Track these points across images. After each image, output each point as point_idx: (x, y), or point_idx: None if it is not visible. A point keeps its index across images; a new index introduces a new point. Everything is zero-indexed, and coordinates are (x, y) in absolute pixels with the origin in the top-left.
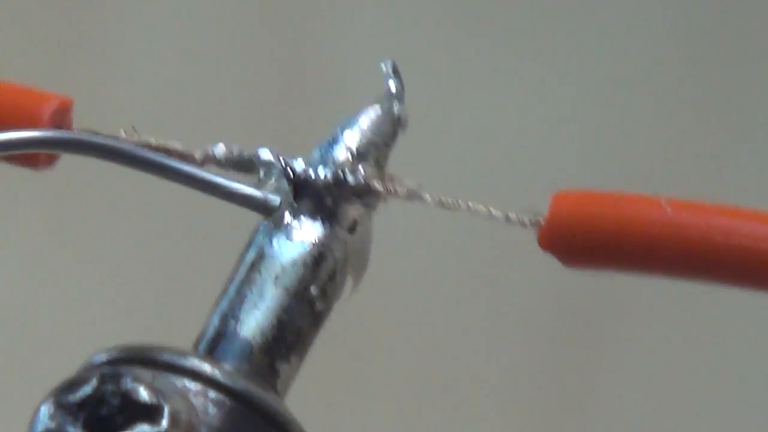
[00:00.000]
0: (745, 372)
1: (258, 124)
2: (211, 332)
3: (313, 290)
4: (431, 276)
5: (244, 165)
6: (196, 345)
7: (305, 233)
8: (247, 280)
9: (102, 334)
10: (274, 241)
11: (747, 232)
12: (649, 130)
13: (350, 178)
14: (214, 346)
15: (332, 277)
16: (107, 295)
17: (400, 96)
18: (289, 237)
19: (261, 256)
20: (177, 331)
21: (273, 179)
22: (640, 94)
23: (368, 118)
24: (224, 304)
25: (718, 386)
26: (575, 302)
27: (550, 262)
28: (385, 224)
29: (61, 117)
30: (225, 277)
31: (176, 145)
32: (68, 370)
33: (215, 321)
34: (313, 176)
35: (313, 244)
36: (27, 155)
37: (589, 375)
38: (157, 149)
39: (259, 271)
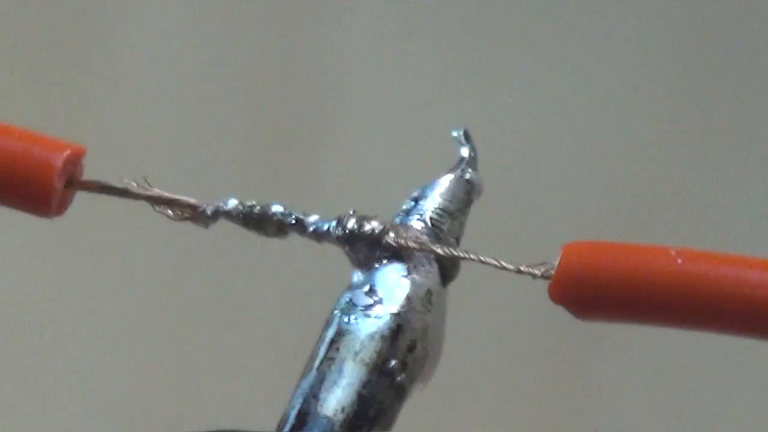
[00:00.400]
0: (746, 374)
1: (254, 142)
2: (292, 415)
3: (393, 363)
4: None
5: (259, 222)
6: (278, 428)
7: (381, 305)
8: (326, 359)
9: (103, 335)
10: (352, 317)
11: (758, 282)
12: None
13: (360, 229)
14: (296, 427)
15: (412, 348)
16: (109, 296)
17: (473, 163)
18: (366, 311)
19: (339, 333)
20: (181, 335)
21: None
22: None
23: (441, 185)
24: (304, 384)
25: (718, 388)
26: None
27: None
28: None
29: (73, 166)
30: (228, 278)
31: (188, 199)
32: (69, 370)
33: (296, 402)
34: (340, 232)
35: (390, 316)
36: (37, 202)
37: (588, 378)
38: (168, 202)
39: (338, 348)
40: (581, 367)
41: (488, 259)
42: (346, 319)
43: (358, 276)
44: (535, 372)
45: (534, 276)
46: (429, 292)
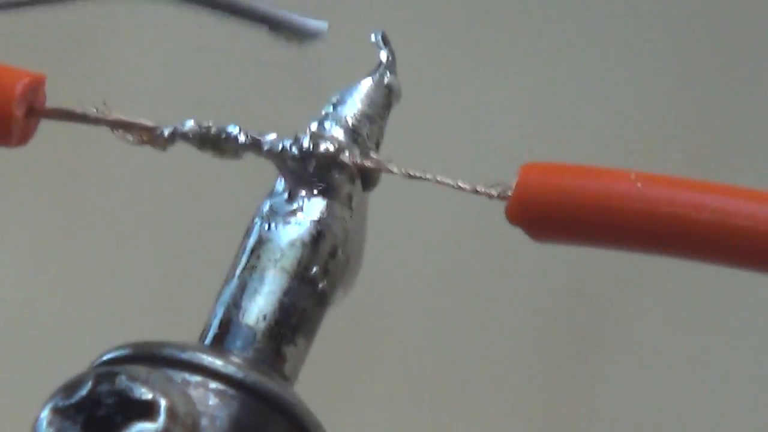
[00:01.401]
0: (745, 372)
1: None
2: (215, 323)
3: (314, 269)
4: (431, 276)
5: (215, 142)
6: (201, 338)
7: (302, 213)
8: (248, 267)
9: (104, 332)
10: (272, 224)
11: (716, 207)
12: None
13: (319, 149)
14: (219, 336)
15: (333, 254)
16: (109, 293)
17: (391, 67)
18: (286, 219)
19: (259, 241)
20: (183, 326)
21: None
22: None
23: (360, 91)
24: (226, 293)
25: (717, 387)
26: (575, 303)
27: (550, 264)
28: (389, 229)
29: (34, 93)
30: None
31: (146, 121)
32: (71, 369)
33: (218, 311)
34: (294, 152)
35: (311, 223)
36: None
37: (589, 375)
38: (126, 125)
39: (259, 256)
40: (581, 366)
41: (445, 179)
42: (266, 227)
43: (280, 183)
44: (535, 371)
45: (490, 196)
46: (349, 198)
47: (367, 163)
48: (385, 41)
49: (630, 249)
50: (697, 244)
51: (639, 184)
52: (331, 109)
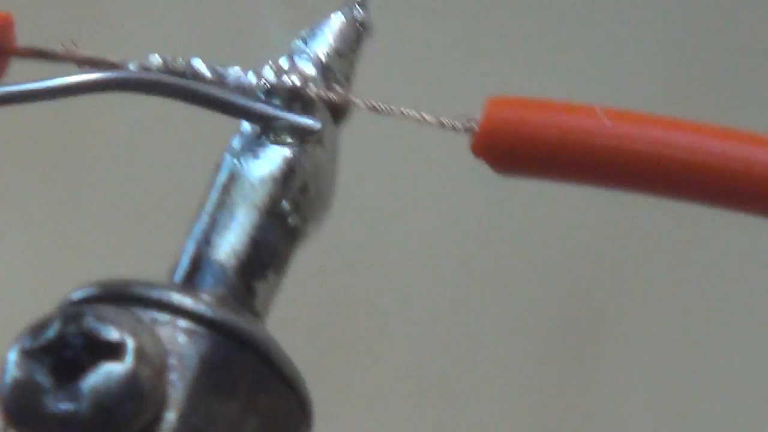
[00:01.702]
0: (746, 373)
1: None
2: (184, 260)
3: (285, 205)
4: (428, 276)
5: (180, 76)
6: (171, 274)
7: (272, 148)
8: (218, 203)
9: None
10: (242, 160)
11: (683, 144)
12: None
13: (283, 83)
14: (189, 273)
15: (303, 190)
16: None
17: (362, 1)
18: (256, 154)
19: (230, 178)
20: None
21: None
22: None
23: (330, 26)
24: (196, 229)
25: (717, 386)
26: (574, 302)
27: (549, 262)
28: (390, 228)
29: (2, 33)
30: None
31: (111, 58)
32: None
33: (188, 248)
34: (259, 85)
35: (282, 158)
36: None
37: (588, 374)
38: (92, 62)
39: (229, 192)
40: (580, 366)
41: (410, 112)
42: (236, 163)
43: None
44: (533, 370)
45: (455, 129)
46: (320, 132)
47: (331, 96)
48: None
49: (595, 184)
50: (664, 180)
51: (606, 120)
52: (301, 43)
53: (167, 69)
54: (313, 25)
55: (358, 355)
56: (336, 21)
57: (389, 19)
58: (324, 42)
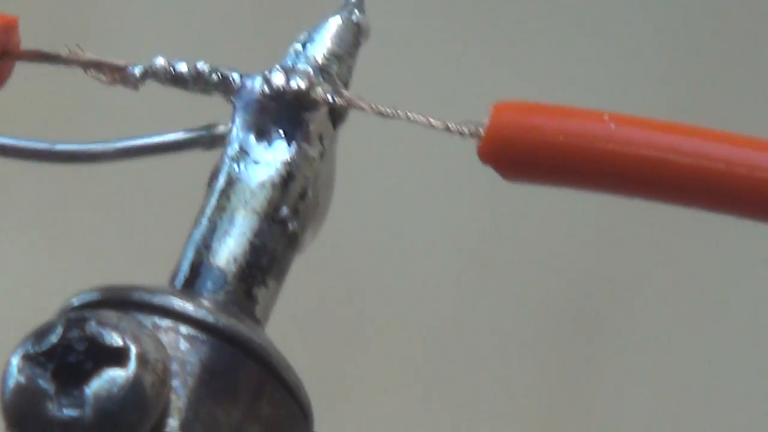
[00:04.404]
0: (747, 375)
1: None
2: (185, 266)
3: (285, 211)
4: (433, 271)
5: (185, 80)
6: (171, 280)
7: (271, 153)
8: (218, 208)
9: None
10: (241, 165)
11: (689, 149)
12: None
13: (291, 86)
14: (189, 279)
15: (303, 195)
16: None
17: (360, 4)
18: (255, 159)
19: (229, 182)
20: None
21: (224, 95)
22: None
23: (328, 29)
24: (196, 235)
25: (720, 387)
26: (578, 301)
27: (555, 259)
28: (391, 229)
29: (7, 36)
30: None
31: (117, 61)
32: None
33: (188, 253)
34: (265, 89)
35: (281, 164)
36: None
37: (592, 373)
38: (98, 65)
39: (228, 197)
40: (583, 364)
41: (416, 117)
42: (236, 167)
43: (244, 119)
44: (535, 369)
45: (462, 134)
46: (320, 137)
47: (339, 101)
48: None
49: (601, 190)
50: (670, 187)
51: (612, 125)
52: (299, 47)
53: (171, 71)
54: (310, 27)
55: (358, 358)
56: (334, 24)
57: (390, 20)
58: (322, 45)
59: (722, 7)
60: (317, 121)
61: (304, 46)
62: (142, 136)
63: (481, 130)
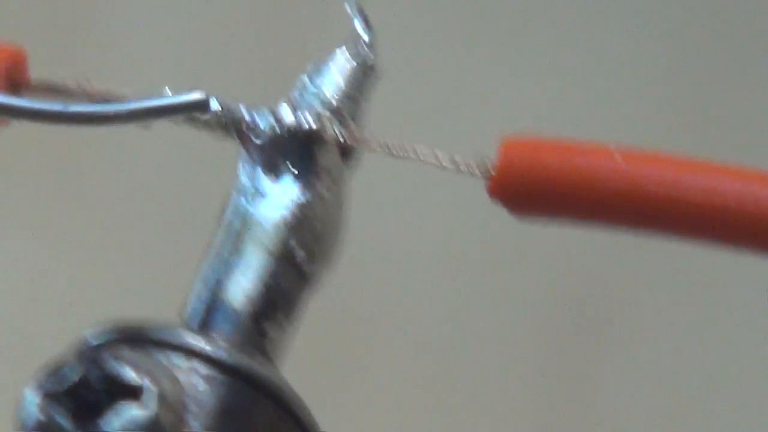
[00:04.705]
0: (749, 379)
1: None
2: (197, 303)
3: (298, 250)
4: (434, 271)
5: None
6: (183, 317)
7: (284, 191)
8: (229, 246)
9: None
10: (253, 203)
11: (698, 185)
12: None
13: (301, 125)
14: (202, 317)
15: (316, 234)
16: (106, 297)
17: (370, 41)
18: (267, 197)
19: (241, 220)
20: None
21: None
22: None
23: (336, 62)
24: (207, 272)
25: (722, 390)
26: (578, 303)
27: (557, 260)
28: (391, 228)
29: (15, 68)
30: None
31: (126, 92)
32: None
33: (200, 291)
34: (275, 128)
35: (294, 202)
36: None
37: (593, 376)
38: (105, 97)
39: (240, 235)
40: (583, 367)
41: (427, 157)
42: (248, 205)
43: (255, 156)
44: (535, 376)
45: (472, 174)
46: (332, 175)
47: (348, 140)
48: (365, 18)
49: (613, 227)
50: (680, 223)
51: (621, 160)
52: (307, 81)
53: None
54: (317, 61)
55: (357, 361)
56: (341, 57)
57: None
58: (330, 80)
59: (723, 7)
60: (329, 159)
61: (311, 80)
62: (154, 97)
63: (489, 167)
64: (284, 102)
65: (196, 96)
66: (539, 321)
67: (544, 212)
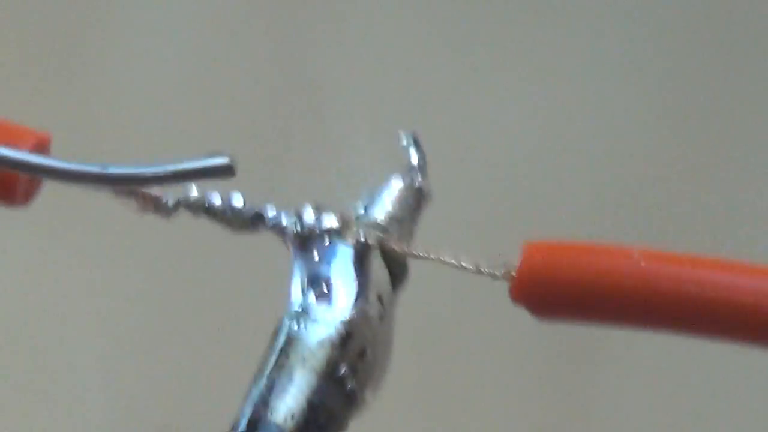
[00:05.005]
0: (747, 385)
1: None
2: (243, 422)
3: (343, 370)
4: (433, 284)
5: (221, 216)
6: None
7: (331, 312)
8: (276, 366)
9: (101, 337)
10: (300, 323)
11: (720, 283)
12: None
13: (319, 225)
14: None
15: (362, 355)
16: (106, 300)
17: (422, 168)
18: (314, 318)
19: (288, 341)
20: (177, 335)
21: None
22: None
23: (390, 192)
24: (255, 392)
25: (717, 403)
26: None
27: None
28: None
29: (40, 153)
30: (223, 284)
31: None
32: (68, 374)
33: (246, 410)
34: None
35: (341, 323)
36: (3, 192)
37: (588, 386)
38: (130, 192)
39: (287, 354)
40: (579, 377)
41: (448, 259)
42: (295, 327)
43: (304, 279)
44: (532, 386)
45: (494, 277)
46: (379, 298)
47: (370, 240)
48: (417, 143)
49: (635, 327)
50: (701, 322)
51: (642, 263)
52: (361, 210)
53: (204, 202)
54: (372, 189)
55: None
56: (396, 186)
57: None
58: (382, 207)
59: (723, 8)
60: (377, 281)
61: (366, 207)
62: (191, 160)
63: (512, 272)
64: (307, 205)
65: (221, 161)
66: (536, 332)
67: (566, 315)
